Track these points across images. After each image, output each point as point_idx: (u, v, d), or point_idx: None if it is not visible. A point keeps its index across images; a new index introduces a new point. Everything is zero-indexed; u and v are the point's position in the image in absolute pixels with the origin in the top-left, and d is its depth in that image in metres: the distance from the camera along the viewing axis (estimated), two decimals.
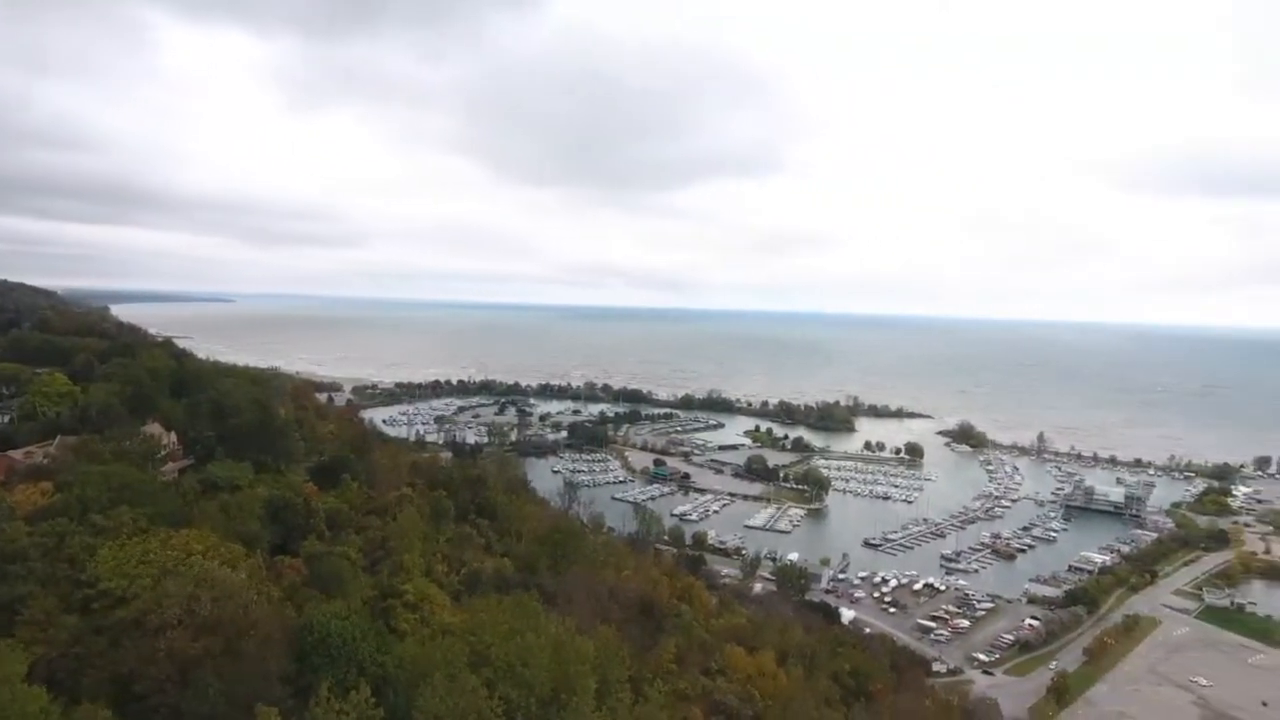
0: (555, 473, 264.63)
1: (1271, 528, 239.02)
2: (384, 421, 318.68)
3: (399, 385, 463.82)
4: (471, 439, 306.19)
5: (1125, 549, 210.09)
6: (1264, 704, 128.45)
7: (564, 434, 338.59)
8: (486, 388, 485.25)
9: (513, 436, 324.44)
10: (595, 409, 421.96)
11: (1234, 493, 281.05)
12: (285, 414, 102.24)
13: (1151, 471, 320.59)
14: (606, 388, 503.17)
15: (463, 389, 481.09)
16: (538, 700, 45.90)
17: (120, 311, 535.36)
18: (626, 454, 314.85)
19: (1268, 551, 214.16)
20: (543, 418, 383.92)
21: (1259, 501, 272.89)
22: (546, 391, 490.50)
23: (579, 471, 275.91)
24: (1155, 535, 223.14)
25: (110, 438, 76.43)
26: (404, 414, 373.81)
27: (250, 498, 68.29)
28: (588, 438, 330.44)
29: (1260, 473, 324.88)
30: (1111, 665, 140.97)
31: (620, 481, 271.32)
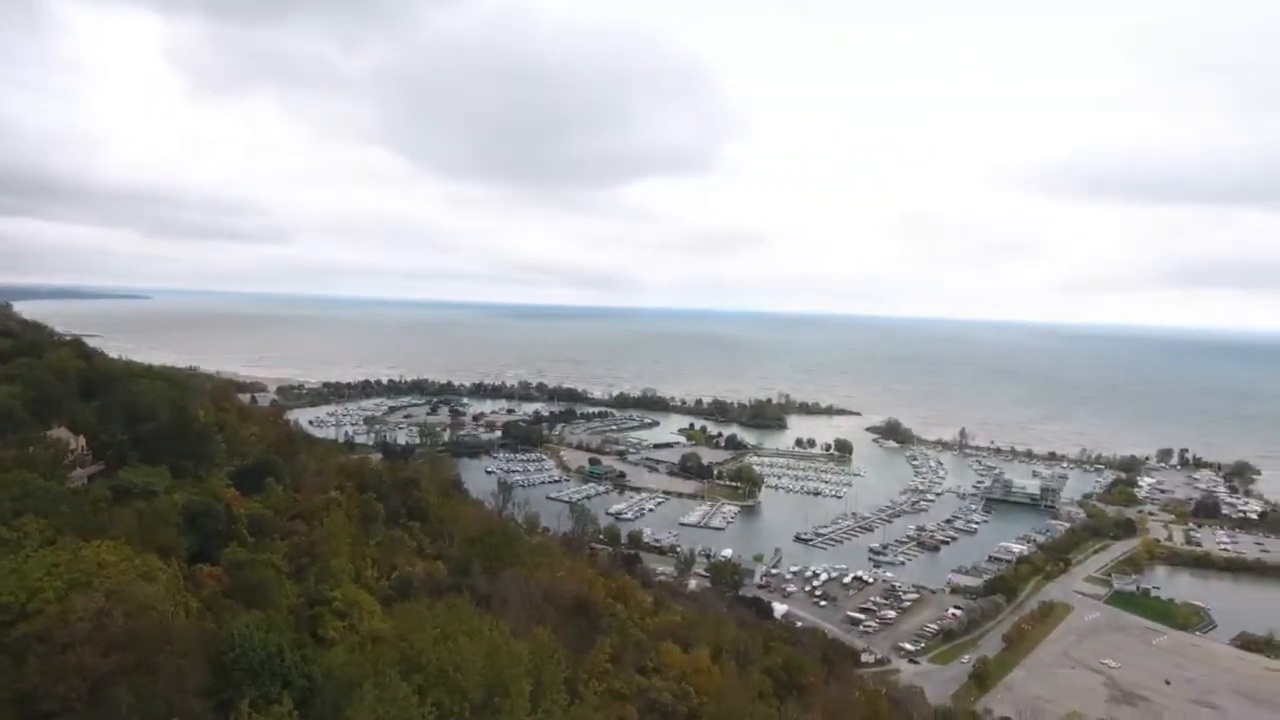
0: (489, 473, 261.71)
1: (1173, 516, 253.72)
2: (311, 423, 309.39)
3: (327, 385, 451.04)
4: (403, 440, 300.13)
5: (1041, 539, 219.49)
6: (1166, 682, 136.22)
7: (498, 434, 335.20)
8: (418, 387, 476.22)
9: (445, 437, 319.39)
10: (530, 408, 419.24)
11: (1139, 484, 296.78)
12: (204, 416, 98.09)
13: (1065, 465, 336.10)
14: (541, 387, 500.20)
15: (394, 389, 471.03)
16: (471, 705, 45.16)
17: (24, 309, 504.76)
18: (561, 453, 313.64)
19: (1170, 539, 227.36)
20: (476, 418, 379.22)
21: (1162, 491, 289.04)
22: (480, 391, 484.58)
23: (513, 471, 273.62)
24: (1068, 525, 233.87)
25: (12, 443, 72.07)
26: (332, 415, 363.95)
27: (166, 504, 65.28)
28: (522, 437, 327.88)
29: (1163, 464, 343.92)
30: (1029, 650, 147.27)
31: (555, 481, 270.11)
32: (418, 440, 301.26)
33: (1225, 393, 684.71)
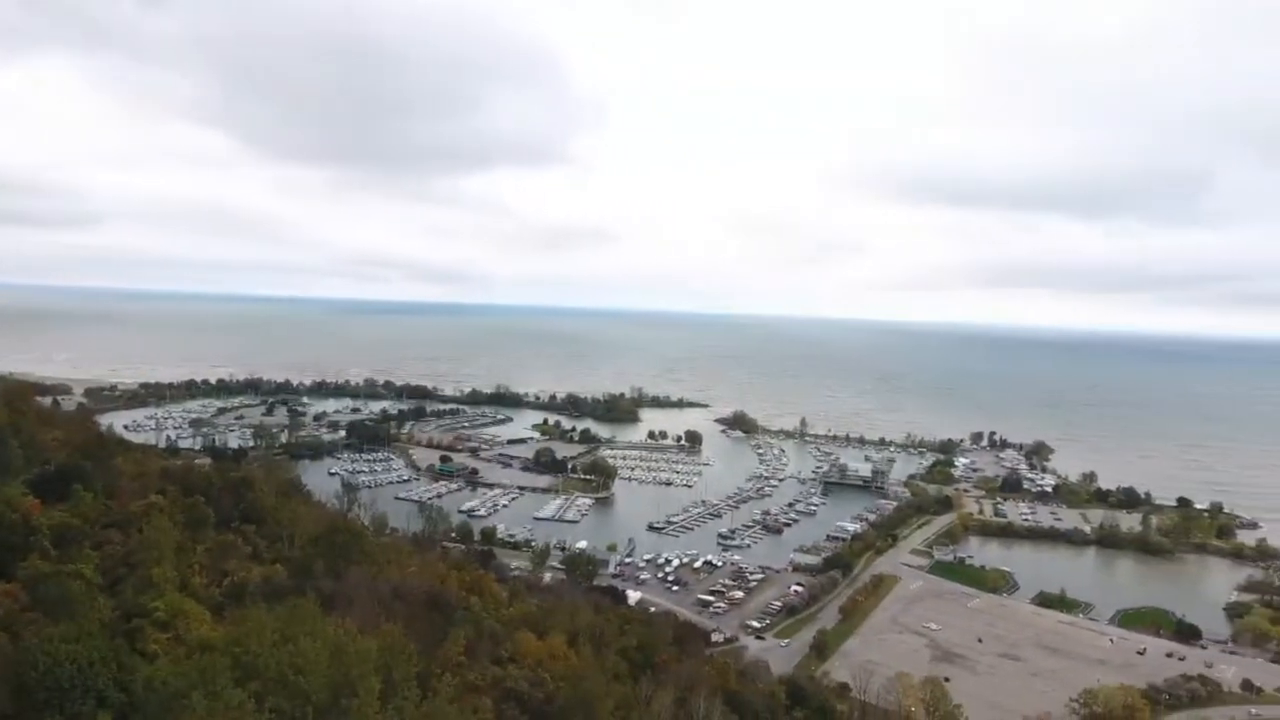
0: (333, 474, 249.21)
1: (984, 492, 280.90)
2: (127, 427, 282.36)
3: (144, 386, 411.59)
4: (235, 443, 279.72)
5: (872, 517, 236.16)
6: (979, 640, 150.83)
7: (342, 434, 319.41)
8: (252, 386, 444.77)
9: (284, 438, 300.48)
10: (376, 407, 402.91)
11: (956, 464, 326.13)
12: None
13: (893, 449, 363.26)
14: (388, 384, 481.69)
15: (224, 389, 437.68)
16: (316, 708, 43.26)
17: None
18: (411, 452, 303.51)
19: (981, 512, 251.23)
20: (318, 417, 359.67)
21: (975, 470, 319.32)
22: (322, 389, 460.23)
23: (359, 472, 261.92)
24: (896, 504, 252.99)
25: None
26: (152, 418, 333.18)
27: None
28: (368, 437, 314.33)
29: (975, 446, 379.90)
30: (862, 620, 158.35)
31: (404, 480, 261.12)
32: (251, 442, 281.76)
33: (1029, 383, 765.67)
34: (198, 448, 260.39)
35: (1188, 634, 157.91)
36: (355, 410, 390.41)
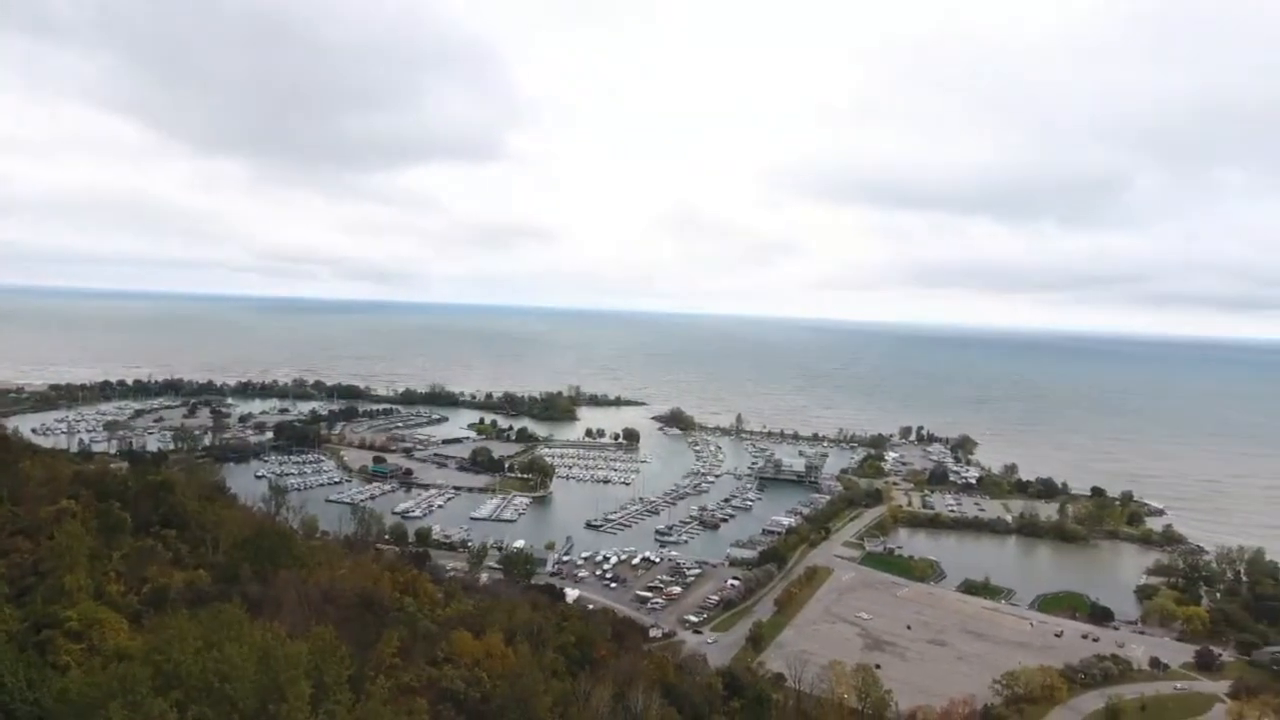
0: (260, 477, 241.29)
1: (912, 485, 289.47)
2: (35, 430, 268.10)
3: (54, 388, 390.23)
4: (154, 446, 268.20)
5: (806, 511, 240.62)
6: (908, 627, 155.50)
7: (269, 435, 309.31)
8: (172, 388, 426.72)
9: (207, 440, 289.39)
10: (306, 407, 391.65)
11: (886, 458, 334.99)
12: None
13: (826, 444, 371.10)
14: (318, 384, 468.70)
15: (141, 390, 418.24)
16: (242, 715, 41.95)
17: None
18: (342, 453, 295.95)
19: (910, 504, 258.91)
20: (243, 419, 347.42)
21: (904, 464, 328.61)
22: (247, 390, 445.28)
23: (288, 474, 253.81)
24: (828, 498, 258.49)
25: None
26: (63, 421, 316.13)
27: None
28: (297, 438, 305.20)
29: (904, 440, 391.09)
30: (796, 611, 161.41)
31: (336, 482, 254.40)
32: (172, 445, 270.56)
33: (954, 379, 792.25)
34: (113, 451, 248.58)
35: (1101, 616, 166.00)
36: (283, 411, 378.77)
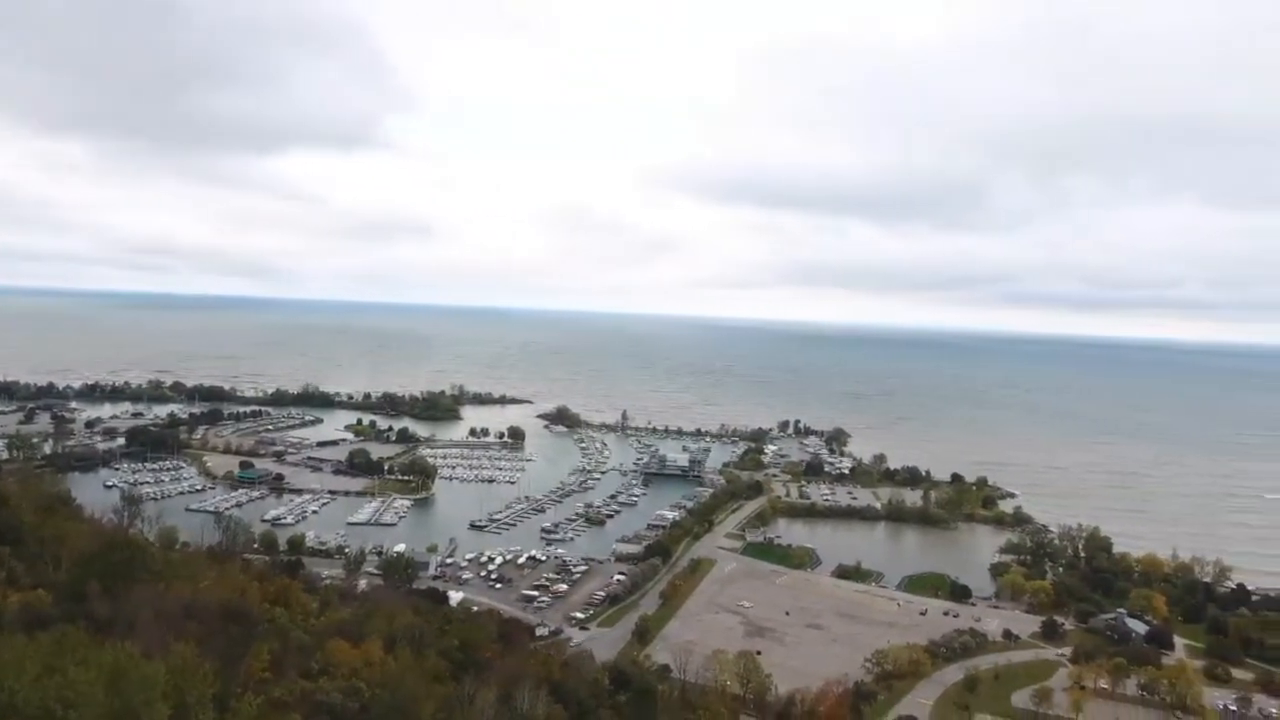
0: (110, 487, 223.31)
1: (790, 476, 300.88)
2: None
3: None
4: None
5: (690, 504, 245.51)
6: (787, 613, 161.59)
7: (121, 441, 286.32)
8: (5, 391, 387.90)
9: (47, 448, 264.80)
10: (163, 410, 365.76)
11: (765, 451, 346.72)
12: None
13: (708, 439, 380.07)
14: (177, 386, 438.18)
15: None
16: None
17: None
18: (205, 459, 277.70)
19: (788, 495, 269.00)
20: (90, 424, 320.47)
21: (782, 457, 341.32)
22: (95, 393, 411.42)
23: (143, 483, 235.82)
24: (711, 490, 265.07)
25: None
26: None
27: None
28: (153, 444, 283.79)
29: (783, 434, 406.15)
30: (681, 603, 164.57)
31: (198, 490, 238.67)
32: (6, 454, 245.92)
33: (830, 375, 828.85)
34: None
35: (961, 594, 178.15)
36: (137, 415, 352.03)
